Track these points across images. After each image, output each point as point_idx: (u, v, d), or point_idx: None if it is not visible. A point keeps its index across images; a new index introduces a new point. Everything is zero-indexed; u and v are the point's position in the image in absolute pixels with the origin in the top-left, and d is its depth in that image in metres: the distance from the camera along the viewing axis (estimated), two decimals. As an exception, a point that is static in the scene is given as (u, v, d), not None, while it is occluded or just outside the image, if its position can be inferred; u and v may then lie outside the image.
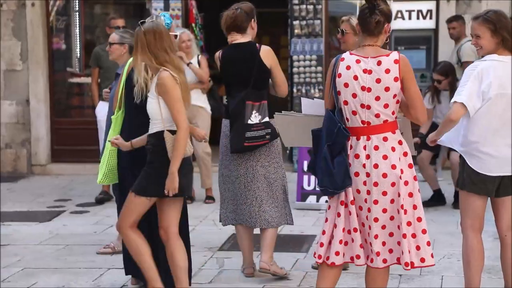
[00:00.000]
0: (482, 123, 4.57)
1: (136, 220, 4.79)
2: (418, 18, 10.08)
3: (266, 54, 5.51)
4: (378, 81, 4.18)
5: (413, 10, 10.06)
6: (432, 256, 4.32)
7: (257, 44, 5.57)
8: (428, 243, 4.30)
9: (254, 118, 5.41)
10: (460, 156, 4.72)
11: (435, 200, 7.92)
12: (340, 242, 4.27)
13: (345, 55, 4.29)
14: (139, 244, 4.80)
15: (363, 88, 4.19)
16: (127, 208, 4.81)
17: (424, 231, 4.29)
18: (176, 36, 5.22)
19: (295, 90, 10.11)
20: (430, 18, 10.07)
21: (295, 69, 10.18)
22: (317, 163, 4.29)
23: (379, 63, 4.19)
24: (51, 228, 7.34)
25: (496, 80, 4.52)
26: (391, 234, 4.26)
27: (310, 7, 10.10)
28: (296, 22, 10.16)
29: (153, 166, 4.71)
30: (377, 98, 4.19)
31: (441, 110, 7.86)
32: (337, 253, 4.28)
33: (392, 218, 4.25)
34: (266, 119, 5.43)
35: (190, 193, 4.81)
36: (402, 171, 4.22)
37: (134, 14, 11.77)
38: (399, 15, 10.05)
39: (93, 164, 6.90)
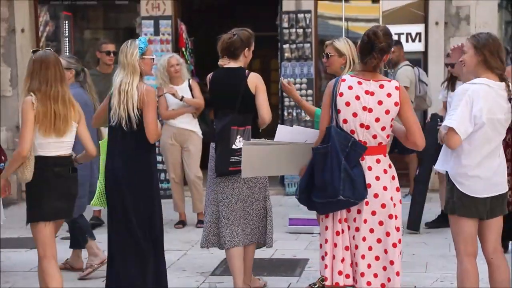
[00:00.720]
0: (473, 146, 4.56)
1: (49, 248, 4.93)
2: (407, 41, 10.13)
3: (253, 80, 5.58)
4: (380, 103, 4.31)
5: (402, 33, 10.11)
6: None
7: (246, 71, 5.64)
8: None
9: (238, 143, 5.47)
10: (449, 181, 4.69)
11: (440, 221, 7.81)
12: (342, 260, 4.34)
13: (346, 76, 4.43)
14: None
15: (364, 108, 4.31)
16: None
17: (400, 253, 4.43)
18: (153, 59, 5.27)
19: (286, 113, 10.13)
20: (419, 41, 10.13)
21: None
22: (333, 176, 4.25)
23: (381, 86, 4.34)
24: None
25: (486, 105, 4.53)
26: (377, 258, 4.34)
27: (300, 30, 10.15)
28: (286, 46, 10.20)
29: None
30: (377, 120, 4.31)
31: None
32: (340, 273, 4.34)
33: (379, 240, 4.33)
34: None
35: (61, 217, 5.10)
36: (395, 193, 4.35)
37: (124, 39, 11.70)
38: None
39: (84, 189, 6.87)
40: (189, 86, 8.18)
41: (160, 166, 10.13)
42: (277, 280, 6.12)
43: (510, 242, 6.86)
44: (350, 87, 4.33)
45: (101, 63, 8.54)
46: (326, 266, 4.39)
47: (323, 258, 4.42)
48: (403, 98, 4.35)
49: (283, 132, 4.85)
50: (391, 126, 4.39)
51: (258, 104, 5.56)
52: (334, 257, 4.36)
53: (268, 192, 5.75)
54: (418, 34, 10.13)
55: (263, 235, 5.72)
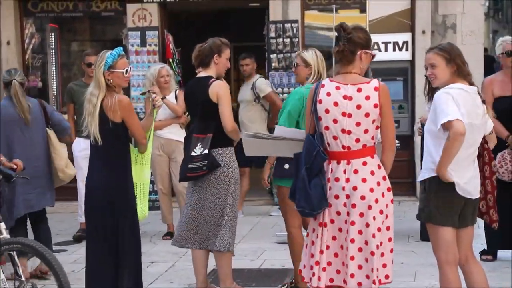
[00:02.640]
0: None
1: None
2: (394, 49, 10.15)
3: (215, 88, 5.65)
4: (358, 107, 4.30)
5: (389, 42, 10.13)
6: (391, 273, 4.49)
7: (211, 80, 5.70)
8: (392, 262, 4.47)
9: (198, 149, 5.64)
10: (424, 189, 4.66)
11: None
12: (317, 263, 4.37)
13: (325, 81, 4.42)
14: None
15: (343, 114, 4.31)
16: None
17: (391, 250, 4.46)
18: (124, 72, 5.15)
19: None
20: (406, 49, 10.14)
21: (273, 102, 10.17)
22: (296, 186, 4.39)
23: (359, 90, 4.32)
24: (28, 268, 7.21)
25: (466, 109, 4.53)
26: (366, 260, 4.33)
27: (287, 40, 10.16)
28: (273, 56, 10.20)
29: None
30: (358, 124, 4.31)
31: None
32: (313, 274, 4.38)
33: (366, 243, 4.33)
34: (206, 151, 5.62)
35: None
36: (383, 195, 4.35)
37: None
38: (376, 47, 10.12)
39: (70, 202, 6.83)
40: (176, 97, 8.16)
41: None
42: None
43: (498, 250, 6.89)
44: (328, 94, 4.34)
45: (85, 74, 8.52)
46: (312, 267, 4.44)
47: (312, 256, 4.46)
48: (383, 99, 4.33)
49: (281, 131, 4.93)
50: (377, 127, 4.37)
51: (220, 113, 5.64)
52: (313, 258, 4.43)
53: (235, 199, 5.78)
54: (405, 43, 10.14)
55: (230, 243, 5.78)
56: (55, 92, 11.00)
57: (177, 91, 8.25)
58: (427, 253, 7.05)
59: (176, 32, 11.03)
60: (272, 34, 10.20)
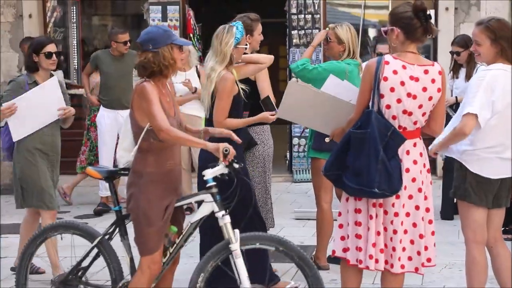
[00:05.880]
0: (492, 131, 4.50)
1: None
2: (416, 26, 10.03)
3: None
4: (424, 89, 4.23)
5: (412, 19, 10.02)
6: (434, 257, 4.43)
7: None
8: (434, 244, 4.41)
9: None
10: (461, 166, 4.63)
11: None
12: (373, 245, 4.28)
13: (389, 58, 4.26)
14: None
15: (408, 95, 4.22)
16: None
17: (433, 233, 4.39)
18: (245, 48, 5.17)
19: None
20: (429, 27, 10.04)
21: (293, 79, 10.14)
22: (361, 166, 4.16)
23: (426, 72, 4.25)
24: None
25: (506, 89, 4.48)
26: (412, 242, 4.31)
27: (309, 16, 10.10)
28: (294, 32, 10.15)
29: None
30: (420, 106, 4.25)
31: (457, 86, 7.59)
32: (370, 257, 4.29)
33: (415, 225, 4.29)
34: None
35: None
36: (426, 176, 4.34)
37: (132, 25, 11.78)
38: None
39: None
40: (197, 72, 8.14)
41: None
42: (284, 266, 6.10)
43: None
44: (395, 72, 4.21)
45: (113, 49, 8.46)
46: (360, 249, 4.31)
47: (343, 238, 4.40)
48: (444, 84, 4.30)
49: (332, 84, 4.78)
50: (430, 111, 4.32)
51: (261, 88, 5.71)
52: (366, 240, 4.31)
53: (269, 177, 5.79)
54: (428, 20, 10.03)
55: (266, 219, 5.75)
56: (76, 66, 11.03)
57: (198, 66, 8.23)
58: (447, 232, 7.07)
59: (197, 8, 11.00)
60: (294, 10, 10.15)
